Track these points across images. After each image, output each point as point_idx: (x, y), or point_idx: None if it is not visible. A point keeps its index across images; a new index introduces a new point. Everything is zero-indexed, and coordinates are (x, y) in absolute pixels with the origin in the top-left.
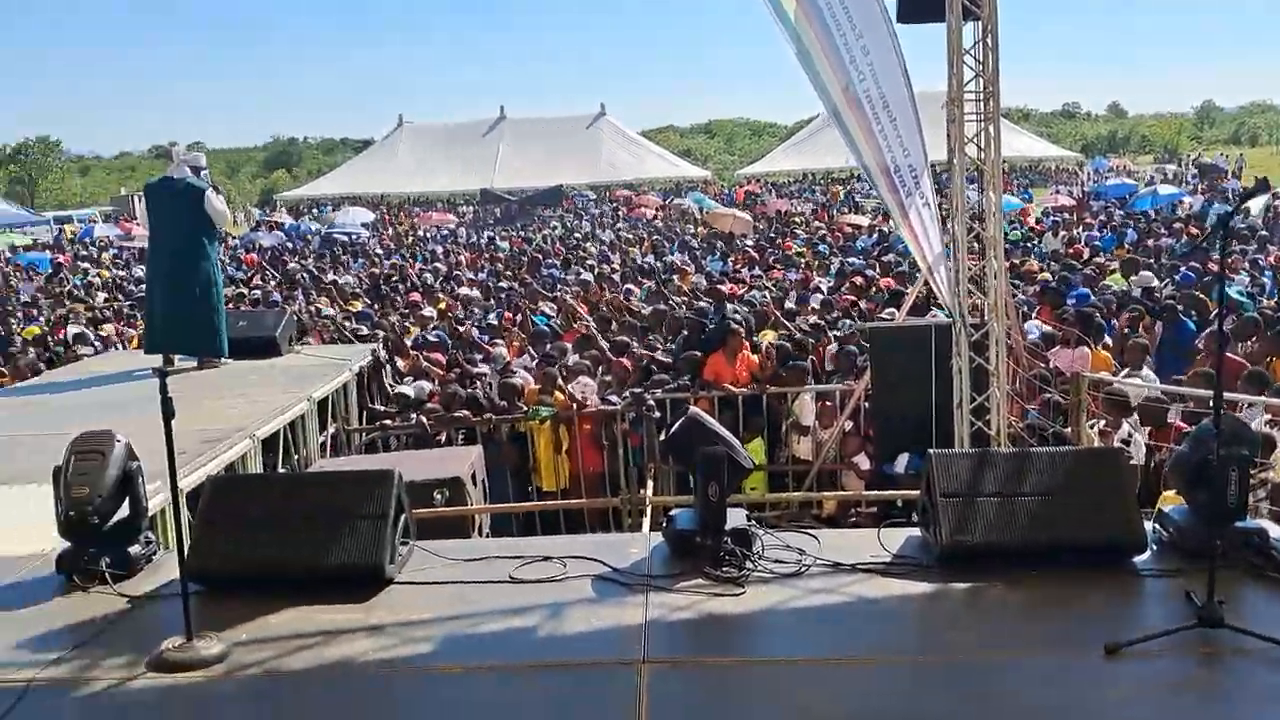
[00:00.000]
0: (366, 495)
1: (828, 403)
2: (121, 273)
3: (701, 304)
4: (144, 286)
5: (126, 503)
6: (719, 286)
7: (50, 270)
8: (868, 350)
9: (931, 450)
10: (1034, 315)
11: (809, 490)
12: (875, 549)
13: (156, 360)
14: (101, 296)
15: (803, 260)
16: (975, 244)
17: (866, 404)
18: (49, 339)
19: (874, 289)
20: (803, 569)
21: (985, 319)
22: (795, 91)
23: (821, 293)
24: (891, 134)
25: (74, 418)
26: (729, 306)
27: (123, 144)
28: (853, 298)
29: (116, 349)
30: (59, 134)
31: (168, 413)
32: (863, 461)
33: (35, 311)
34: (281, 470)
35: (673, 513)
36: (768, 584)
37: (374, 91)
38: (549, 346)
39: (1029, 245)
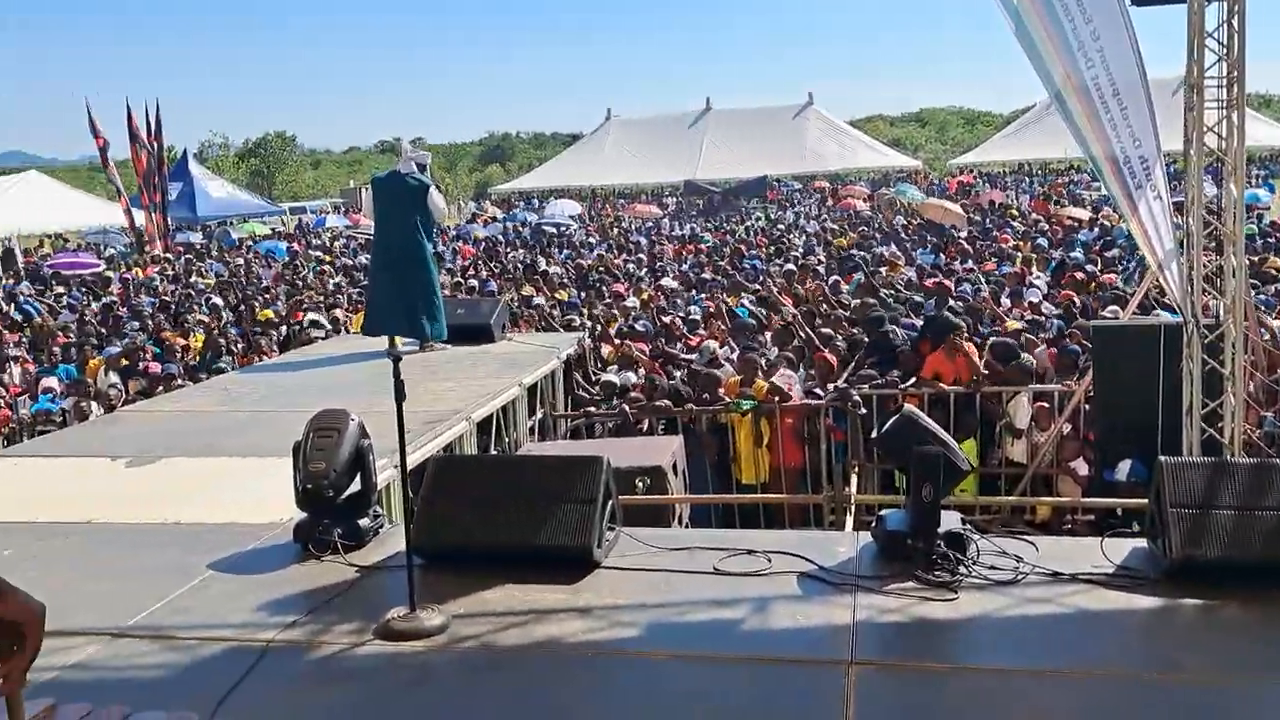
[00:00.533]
0: (577, 480)
1: (1044, 404)
2: (349, 260)
3: (915, 298)
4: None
5: (358, 478)
6: (939, 280)
7: (286, 258)
8: (1090, 350)
9: (1162, 458)
10: (1274, 316)
11: (1023, 495)
12: (1097, 559)
13: (381, 343)
14: (332, 283)
15: (1019, 254)
16: (1209, 240)
17: (1087, 406)
18: (287, 322)
19: (1095, 285)
20: (1019, 576)
21: (1220, 319)
22: (1011, 79)
23: (1038, 288)
24: (1121, 123)
25: (307, 397)
26: (949, 301)
27: (351, 139)
28: (1072, 294)
29: (345, 333)
30: (294, 129)
31: (400, 394)
32: (1081, 467)
33: (272, 296)
34: (494, 452)
35: (883, 513)
36: (982, 590)
37: (584, 86)
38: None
39: (1270, 241)
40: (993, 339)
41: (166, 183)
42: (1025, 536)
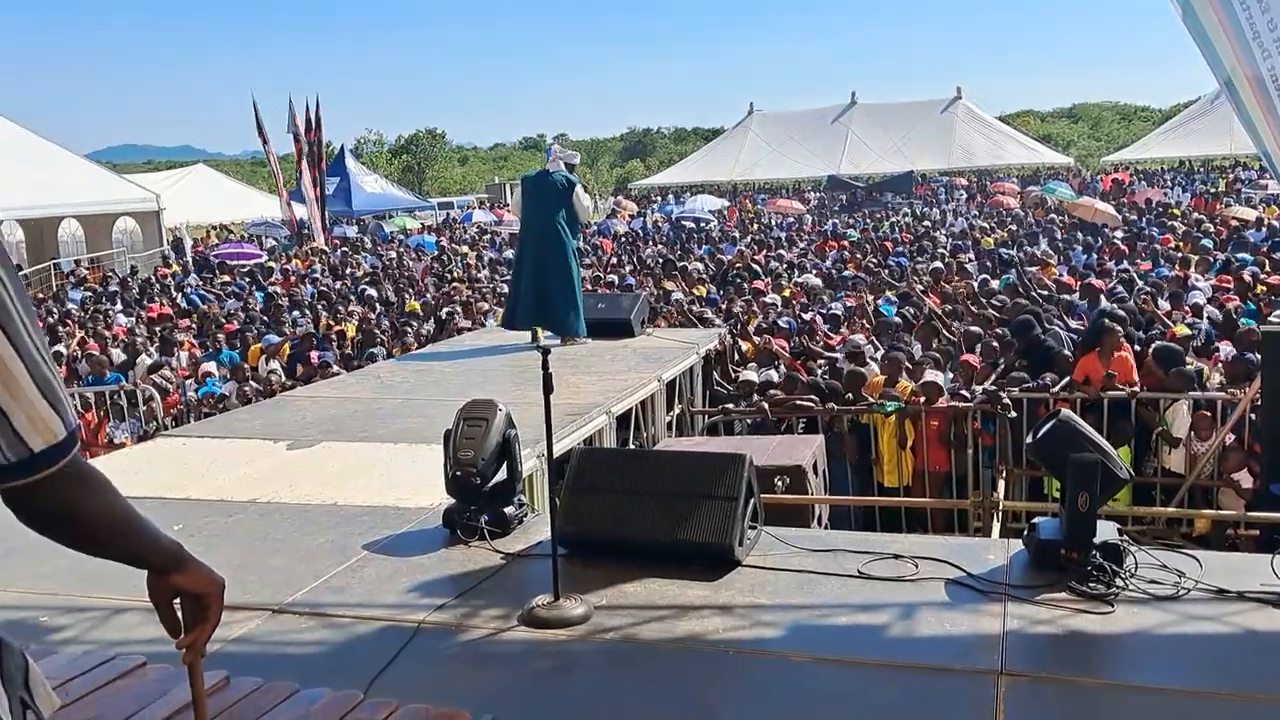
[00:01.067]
0: (719, 476)
1: (1205, 412)
2: (494, 255)
3: (1066, 299)
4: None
5: (504, 467)
6: (1090, 281)
7: (435, 251)
8: (1259, 356)
9: None
10: None
11: (1180, 506)
12: (1267, 576)
13: (523, 336)
14: (483, 274)
15: (1179, 255)
16: None
17: (1253, 416)
18: (436, 314)
19: (1261, 288)
20: (1181, 592)
21: None
22: (1171, 73)
23: (1201, 291)
24: None
25: (455, 386)
26: (1105, 303)
27: (497, 136)
28: (1237, 299)
29: (490, 325)
30: (444, 126)
31: (548, 387)
32: (1245, 479)
33: (420, 289)
34: (632, 446)
35: (1035, 520)
36: (1140, 605)
37: (726, 81)
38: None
39: None
40: (1156, 343)
41: (325, 177)
42: (1189, 551)
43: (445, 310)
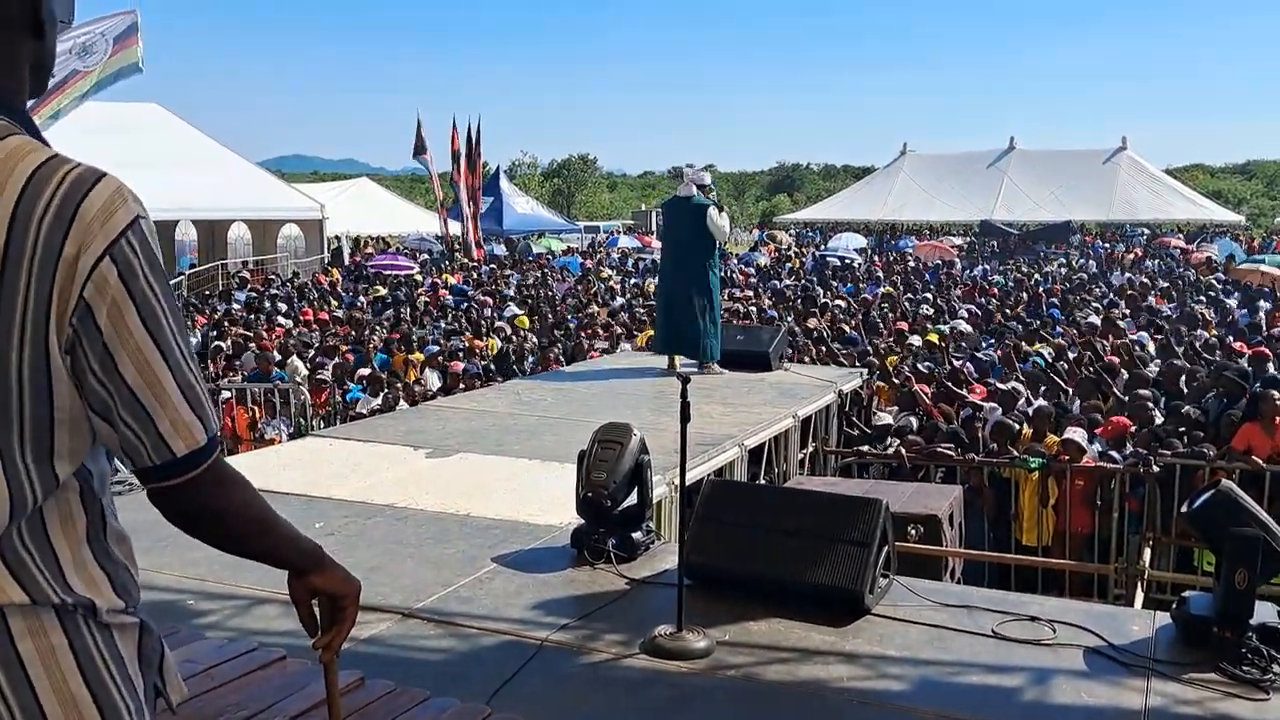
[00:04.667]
0: (853, 520)
1: None
2: (638, 280)
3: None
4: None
5: (635, 492)
6: (1260, 347)
7: (580, 273)
8: None
9: None
10: None
11: None
12: None
13: (659, 361)
14: (619, 301)
15: None
16: None
17: None
18: (576, 335)
19: None
20: None
21: None
22: None
23: None
24: None
25: (590, 407)
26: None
27: (647, 164)
28: None
29: (627, 348)
30: (596, 152)
31: (685, 416)
32: None
33: (564, 309)
34: (763, 481)
35: (1186, 594)
36: None
37: (879, 120)
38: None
39: None
40: None
41: (480, 195)
42: None
43: (588, 333)
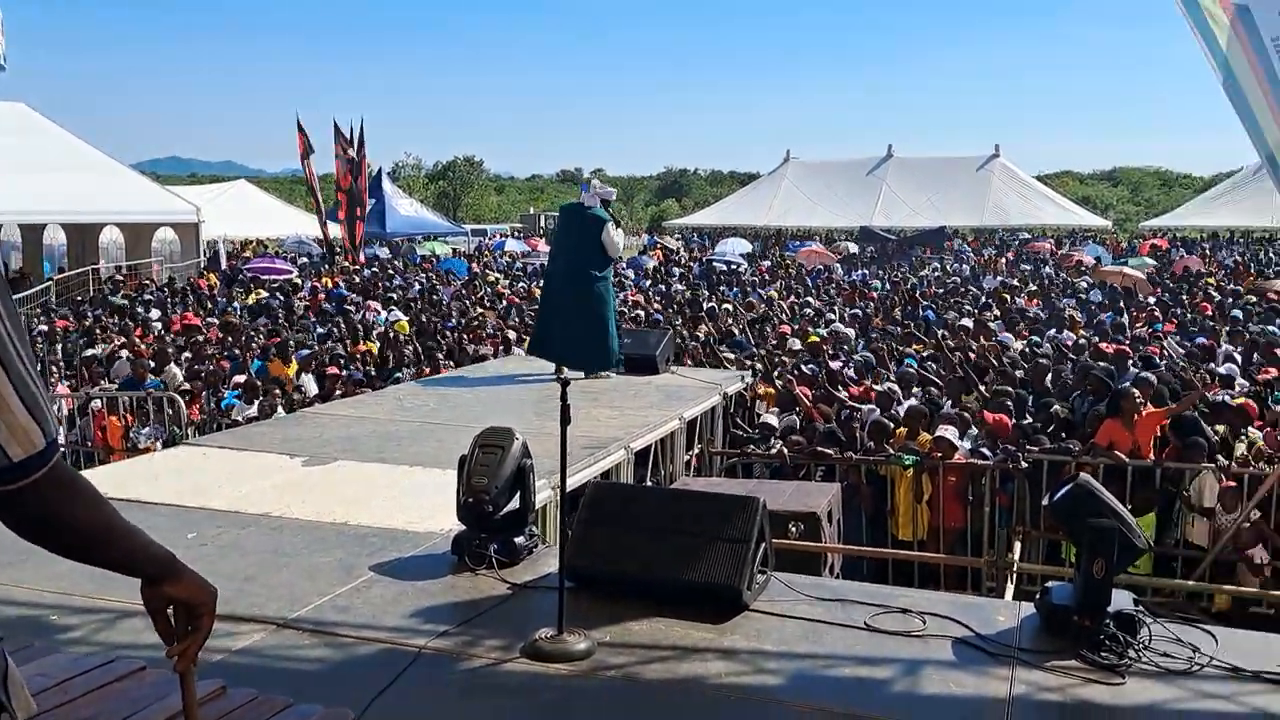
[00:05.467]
0: (732, 518)
1: (1231, 484)
2: (525, 284)
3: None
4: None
5: (517, 496)
6: (1124, 346)
7: (467, 277)
8: None
9: None
10: None
11: (1200, 580)
12: None
13: (548, 365)
14: (505, 306)
15: (1211, 325)
16: None
17: None
18: (462, 339)
19: None
20: (1195, 668)
21: None
22: (1215, 142)
23: (1235, 362)
24: None
25: (474, 413)
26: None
27: (534, 167)
28: (1274, 370)
29: (516, 352)
30: (482, 154)
31: (565, 419)
32: (1260, 555)
33: (448, 313)
34: (650, 483)
35: (1049, 584)
36: (1152, 678)
37: (764, 128)
38: (920, 391)
39: None
40: (1174, 412)
41: (365, 198)
42: (1206, 627)
43: (471, 336)
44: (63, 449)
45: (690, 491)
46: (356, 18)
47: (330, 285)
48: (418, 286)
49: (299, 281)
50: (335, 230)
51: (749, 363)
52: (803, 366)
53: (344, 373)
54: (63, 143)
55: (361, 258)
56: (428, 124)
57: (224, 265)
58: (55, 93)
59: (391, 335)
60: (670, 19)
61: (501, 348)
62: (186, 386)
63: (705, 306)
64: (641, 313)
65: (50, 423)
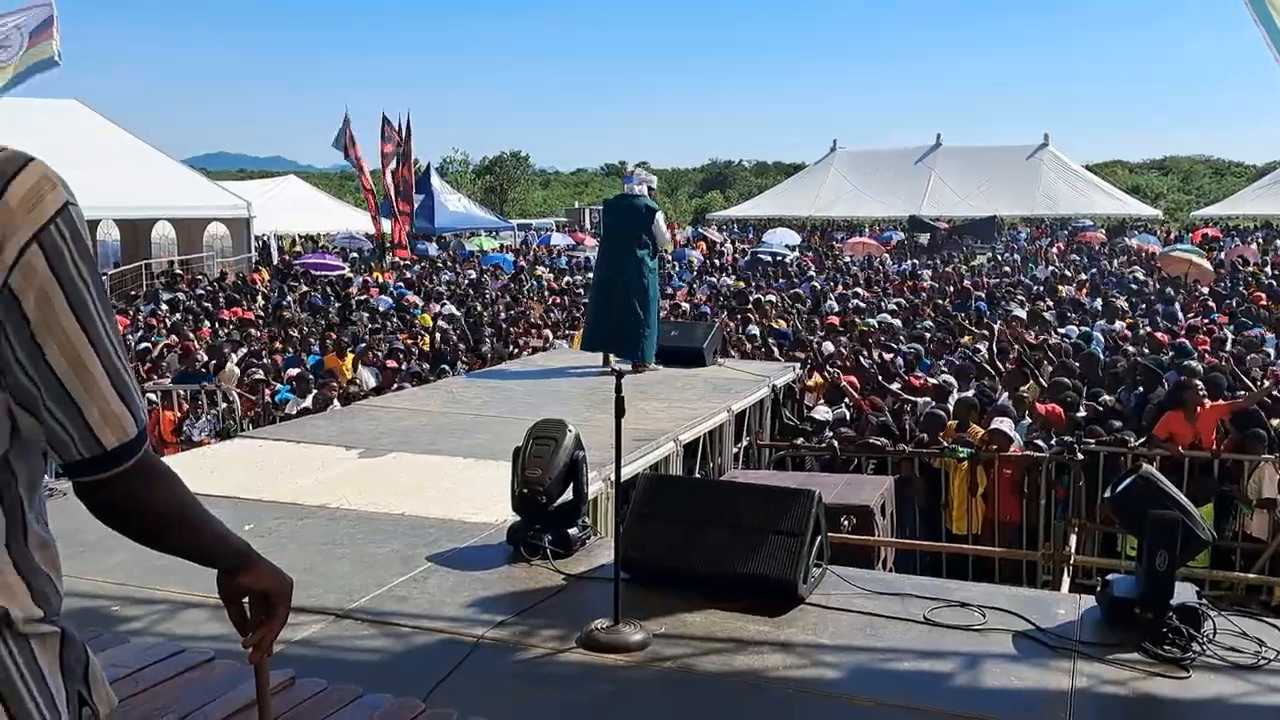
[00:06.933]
0: (787, 511)
1: None
2: (571, 279)
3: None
4: (589, 290)
5: (570, 488)
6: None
7: (513, 271)
8: None
9: None
10: None
11: (1261, 573)
12: None
13: (594, 358)
14: (553, 299)
15: (1266, 315)
16: None
17: None
18: (508, 333)
19: None
20: (1261, 662)
21: None
22: (1267, 129)
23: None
24: None
25: (525, 405)
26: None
27: (580, 161)
28: None
29: (562, 346)
30: (527, 149)
31: (620, 411)
32: None
33: (496, 308)
34: (698, 475)
35: (1109, 577)
36: (1217, 672)
37: (810, 118)
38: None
39: None
40: (1235, 404)
41: (413, 192)
42: (1268, 620)
43: (520, 329)
44: None
45: (745, 484)
46: (401, 12)
47: (382, 280)
48: (466, 281)
49: (350, 276)
50: (386, 225)
51: (797, 354)
52: (852, 357)
53: (403, 366)
54: (116, 138)
55: (403, 253)
56: (474, 119)
57: (276, 260)
58: (106, 88)
59: (441, 329)
60: (714, 9)
61: (549, 341)
62: (245, 378)
63: (751, 299)
64: (686, 305)
65: (141, 410)
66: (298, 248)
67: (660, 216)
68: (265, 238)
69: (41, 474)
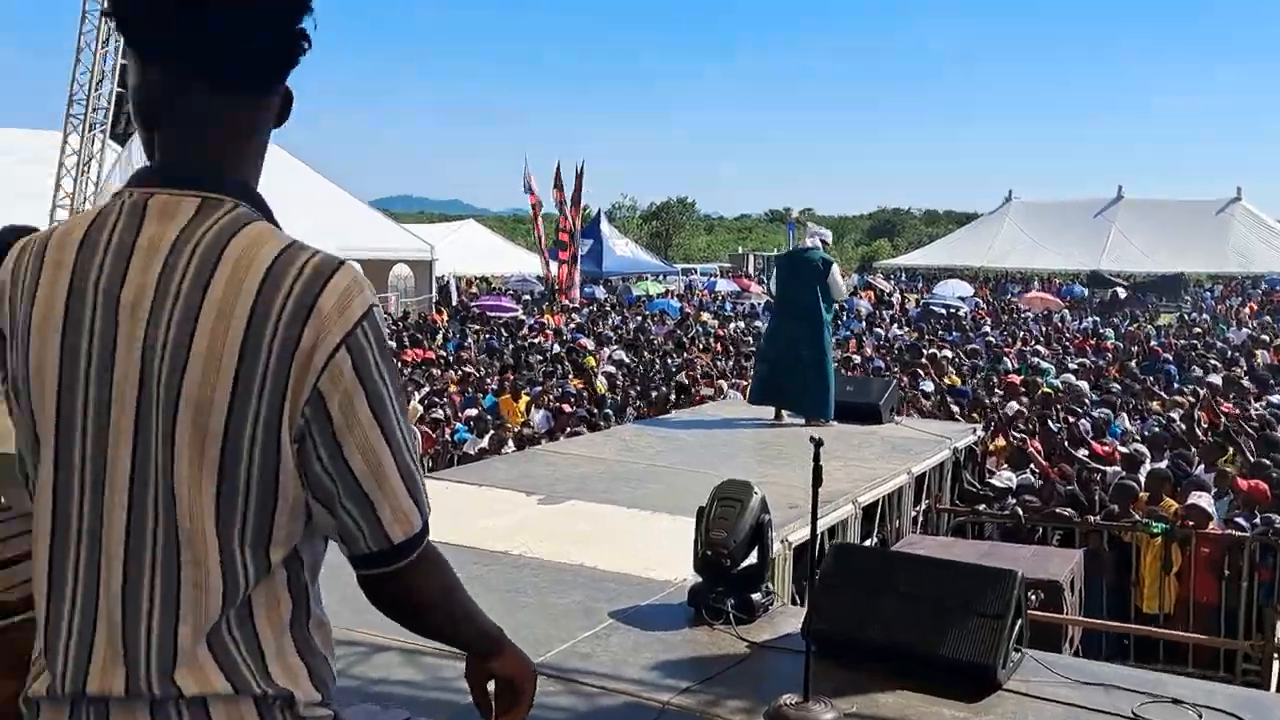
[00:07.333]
0: (987, 591)
1: None
2: (738, 324)
3: None
4: (760, 340)
5: (755, 551)
6: None
7: (679, 317)
8: None
9: None
10: None
11: None
12: None
13: (765, 411)
14: (718, 346)
15: None
16: None
17: None
18: (677, 381)
19: None
20: None
21: None
22: None
23: None
24: None
25: (698, 457)
26: None
27: (742, 206)
28: None
29: (734, 396)
30: (694, 195)
31: (818, 479)
32: None
33: (663, 354)
34: (875, 539)
35: None
36: None
37: (982, 166)
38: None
39: None
40: None
41: (580, 238)
42: None
43: (691, 375)
44: None
45: (941, 560)
46: (570, 62)
47: (555, 323)
48: (633, 325)
49: (523, 318)
50: (556, 268)
51: (975, 414)
52: (1037, 421)
53: (575, 410)
54: (311, 181)
55: (571, 296)
56: (643, 165)
57: (455, 301)
58: (288, 131)
59: (610, 375)
60: (880, 52)
61: (721, 392)
62: (427, 418)
63: (925, 353)
64: (856, 357)
65: (426, 503)
66: (473, 289)
67: (836, 269)
68: (445, 279)
69: (322, 557)
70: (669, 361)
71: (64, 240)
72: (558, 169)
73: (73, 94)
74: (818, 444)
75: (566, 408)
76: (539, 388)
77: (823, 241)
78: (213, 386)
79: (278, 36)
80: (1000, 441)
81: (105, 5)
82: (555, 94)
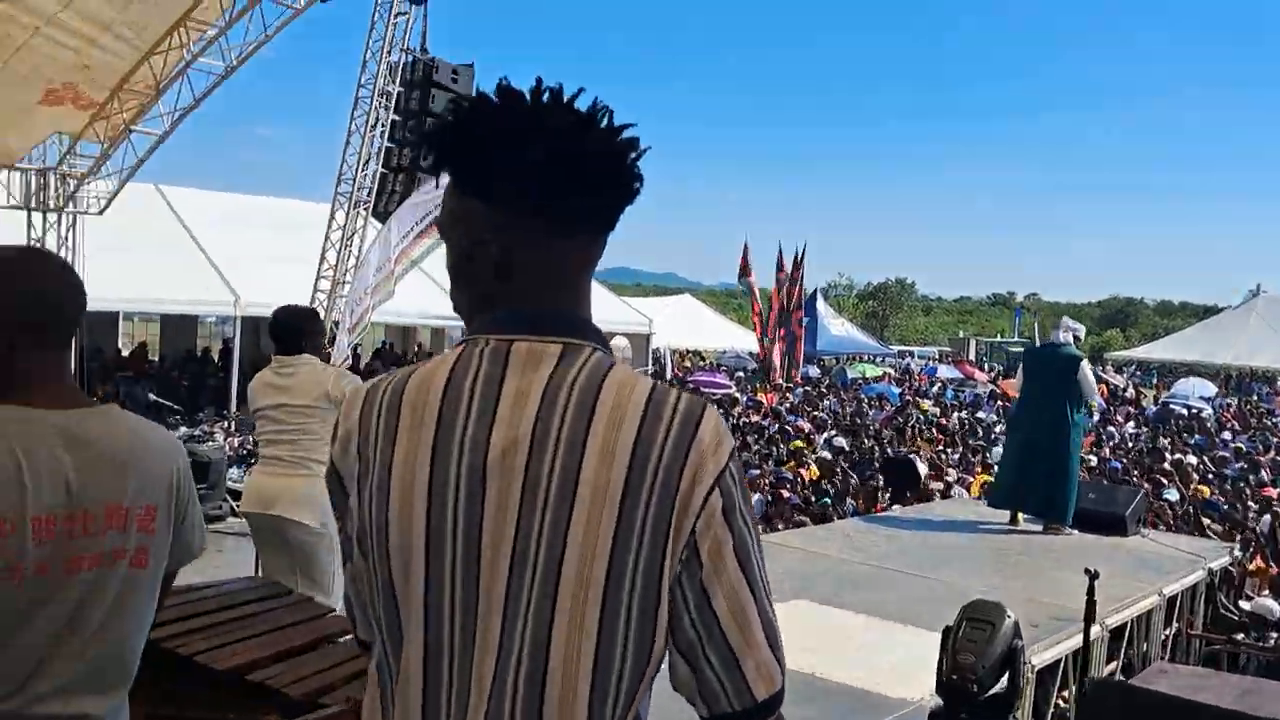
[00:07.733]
0: None
1: None
2: (961, 414)
3: None
4: (997, 437)
5: (1005, 678)
6: None
7: (899, 404)
8: None
9: None
10: None
11: None
12: None
13: (1002, 515)
14: (940, 438)
15: None
16: None
17: None
18: (895, 469)
19: None
20: None
21: None
22: None
23: None
24: None
25: (927, 562)
26: None
27: (963, 288)
28: None
29: (959, 493)
30: (913, 276)
31: (1090, 615)
32: None
33: (881, 441)
34: (1119, 662)
35: None
36: None
37: (1224, 257)
38: None
39: None
40: None
41: (798, 318)
42: None
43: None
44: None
45: (1214, 707)
46: (793, 144)
47: (769, 402)
48: (850, 409)
49: (736, 395)
50: (771, 347)
51: (1232, 531)
52: None
53: (790, 497)
54: None
55: (782, 375)
56: (859, 244)
57: (669, 375)
58: None
59: (825, 460)
60: (1114, 131)
61: (950, 489)
62: None
63: (1169, 459)
64: (1093, 457)
65: (784, 657)
66: (686, 362)
67: (1086, 365)
68: (660, 352)
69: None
70: (889, 451)
71: (425, 385)
72: (780, 251)
73: (341, 173)
74: (1093, 576)
75: (785, 493)
76: (755, 471)
77: (1075, 337)
78: (599, 524)
79: (621, 180)
80: (1259, 563)
81: (433, 162)
82: (768, 172)
